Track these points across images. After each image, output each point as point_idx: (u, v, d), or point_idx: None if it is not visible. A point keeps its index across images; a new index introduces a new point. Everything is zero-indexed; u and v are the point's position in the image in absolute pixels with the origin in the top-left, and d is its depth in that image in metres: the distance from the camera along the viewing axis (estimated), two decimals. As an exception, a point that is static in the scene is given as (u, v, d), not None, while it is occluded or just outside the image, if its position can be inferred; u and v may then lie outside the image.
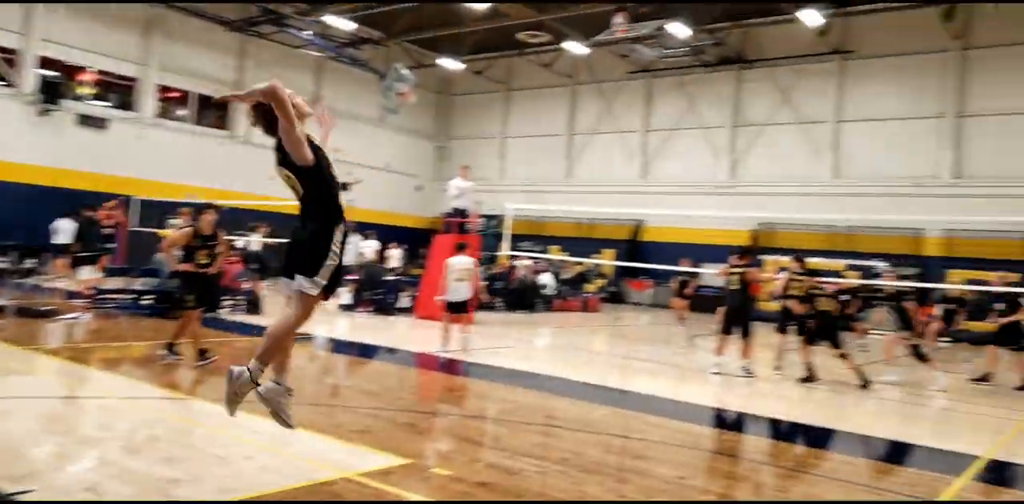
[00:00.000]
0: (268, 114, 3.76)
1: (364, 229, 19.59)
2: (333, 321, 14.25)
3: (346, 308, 15.76)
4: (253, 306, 13.76)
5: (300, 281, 3.84)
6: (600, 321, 19.20)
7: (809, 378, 10.03)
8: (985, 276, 20.23)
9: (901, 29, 23.09)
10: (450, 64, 28.66)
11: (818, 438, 7.07)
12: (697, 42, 24.02)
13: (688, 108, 27.63)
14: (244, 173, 24.44)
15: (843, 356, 10.15)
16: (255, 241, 18.46)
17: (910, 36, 23.05)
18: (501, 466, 5.04)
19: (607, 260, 25.70)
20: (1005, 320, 10.99)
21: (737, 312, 10.30)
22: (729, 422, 7.86)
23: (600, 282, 26.32)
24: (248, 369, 3.83)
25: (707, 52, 25.19)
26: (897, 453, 6.65)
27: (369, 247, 18.69)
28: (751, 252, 10.56)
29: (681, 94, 27.76)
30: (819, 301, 10.32)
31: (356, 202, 21.07)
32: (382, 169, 30.68)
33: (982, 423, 8.37)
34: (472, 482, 4.63)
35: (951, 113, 22.53)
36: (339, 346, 11.34)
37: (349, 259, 16.98)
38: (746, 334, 10.24)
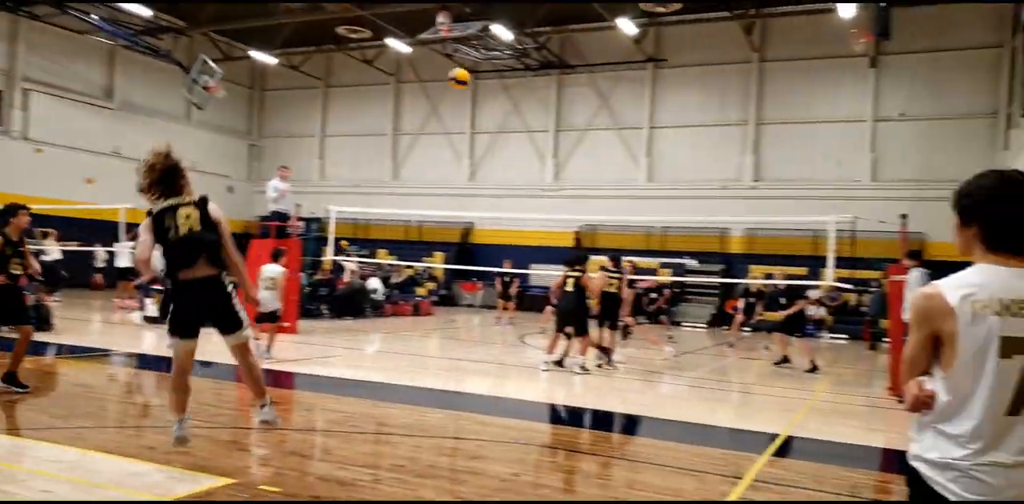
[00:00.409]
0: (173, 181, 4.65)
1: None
2: (137, 335, 13.19)
3: (152, 321, 14.58)
4: (43, 322, 12.37)
5: (239, 335, 4.71)
6: (432, 325, 19.16)
7: (606, 352, 10.89)
8: (780, 271, 22.36)
9: (708, 40, 24.94)
10: (262, 57, 27.39)
11: (640, 426, 7.45)
12: (520, 45, 24.64)
13: (513, 111, 28.27)
14: (20, 173, 22.05)
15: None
16: (55, 250, 16.72)
17: (716, 47, 24.95)
18: (333, 478, 4.86)
19: (437, 263, 25.74)
20: (787, 312, 12.29)
21: (571, 313, 10.69)
22: (558, 416, 8.10)
23: (431, 285, 26.29)
24: (268, 406, 4.98)
25: (530, 56, 25.90)
26: (709, 436, 7.12)
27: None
28: (585, 258, 11.17)
29: (506, 97, 28.35)
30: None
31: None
32: (189, 169, 28.78)
33: (779, 404, 9.17)
34: (304, 496, 4.43)
35: (752, 121, 24.62)
36: (146, 362, 10.50)
37: (156, 266, 15.75)
38: (582, 333, 10.64)
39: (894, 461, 6.60)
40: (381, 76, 29.63)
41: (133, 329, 13.79)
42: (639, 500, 4.80)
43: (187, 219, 4.51)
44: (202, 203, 4.60)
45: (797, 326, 12.52)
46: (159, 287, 15.21)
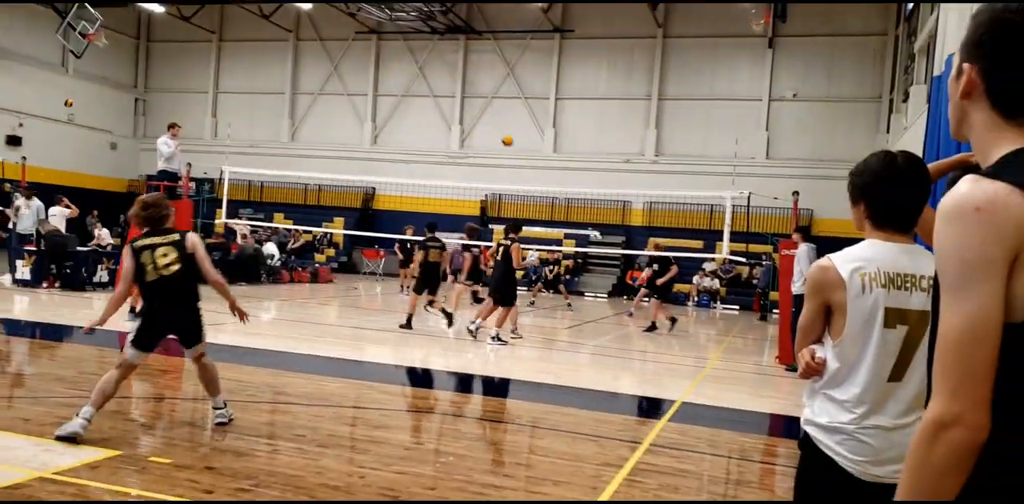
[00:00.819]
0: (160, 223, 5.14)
1: (50, 192, 17.01)
2: (6, 298, 12.33)
3: (24, 284, 13.68)
4: None
5: (199, 347, 5.23)
6: (332, 292, 18.76)
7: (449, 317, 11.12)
8: (677, 243, 22.97)
9: (614, 14, 25.02)
10: (149, 5, 25.62)
11: (542, 393, 7.51)
12: (427, 8, 24.07)
13: (418, 75, 27.68)
14: None
15: (431, 302, 11.48)
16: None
17: (622, 21, 25.06)
18: (229, 448, 4.68)
19: (337, 229, 25.12)
20: (662, 280, 13.19)
21: (498, 282, 10.70)
22: (461, 385, 8.08)
23: (330, 252, 25.69)
24: (224, 408, 5.32)
25: (436, 19, 25.32)
26: (609, 402, 7.29)
27: (59, 213, 16.13)
28: (518, 228, 11.09)
29: (411, 60, 27.70)
30: (431, 253, 11.46)
31: (31, 160, 18.23)
32: (65, 122, 26.87)
33: (675, 371, 9.49)
34: (198, 468, 4.23)
35: (654, 96, 25.02)
36: (17, 328, 9.83)
37: (27, 226, 14.77)
38: (506, 304, 10.56)
39: (781, 426, 6.95)
40: (279, 32, 28.29)
41: (6, 293, 12.89)
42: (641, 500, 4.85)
43: (164, 257, 5.02)
44: (180, 241, 5.08)
45: (666, 292, 13.58)
46: (31, 248, 14.26)
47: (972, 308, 1.16)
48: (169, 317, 5.07)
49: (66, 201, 15.49)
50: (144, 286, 5.00)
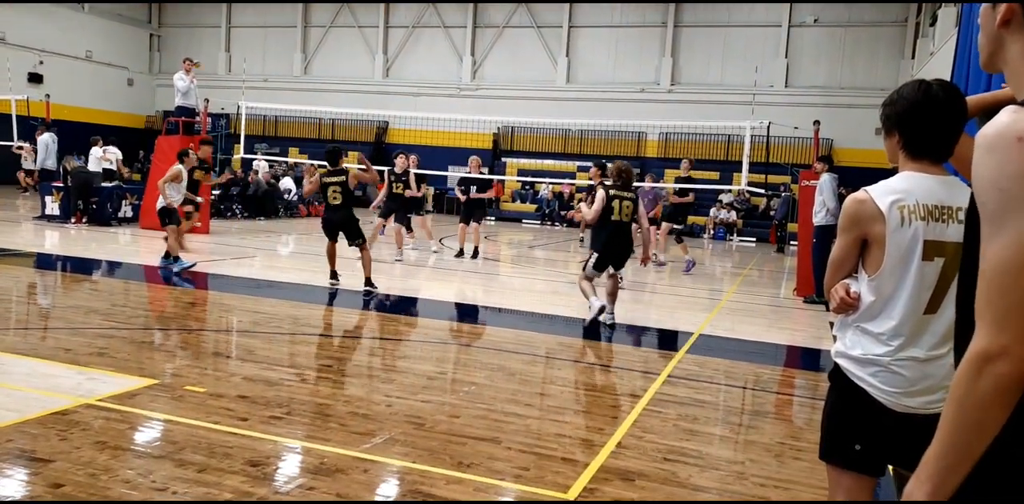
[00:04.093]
0: (629, 181, 7.34)
1: (70, 129, 17.09)
2: (38, 234, 12.57)
3: (53, 220, 13.98)
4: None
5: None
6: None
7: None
8: (693, 174, 22.65)
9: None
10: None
11: (561, 326, 7.64)
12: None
13: (428, 6, 26.97)
14: None
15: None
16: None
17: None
18: (260, 378, 4.83)
19: (352, 163, 24.99)
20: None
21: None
22: (481, 317, 8.22)
23: (344, 185, 25.68)
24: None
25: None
26: (627, 335, 7.40)
27: (113, 154, 16.20)
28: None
29: (420, -11, 26.96)
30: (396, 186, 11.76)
31: (54, 98, 18.22)
32: (83, 59, 26.68)
33: (692, 304, 9.56)
34: (231, 396, 4.39)
35: (670, 23, 24.28)
36: (48, 262, 10.03)
37: (42, 162, 15.19)
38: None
39: (798, 357, 7.07)
40: (289, -38, 27.60)
41: (32, 228, 13.13)
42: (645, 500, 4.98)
43: (627, 208, 7.05)
44: (636, 197, 7.12)
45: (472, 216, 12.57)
46: (59, 185, 14.42)
47: (1015, 238, 1.13)
48: (616, 250, 7.04)
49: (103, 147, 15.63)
50: (607, 224, 6.91)
